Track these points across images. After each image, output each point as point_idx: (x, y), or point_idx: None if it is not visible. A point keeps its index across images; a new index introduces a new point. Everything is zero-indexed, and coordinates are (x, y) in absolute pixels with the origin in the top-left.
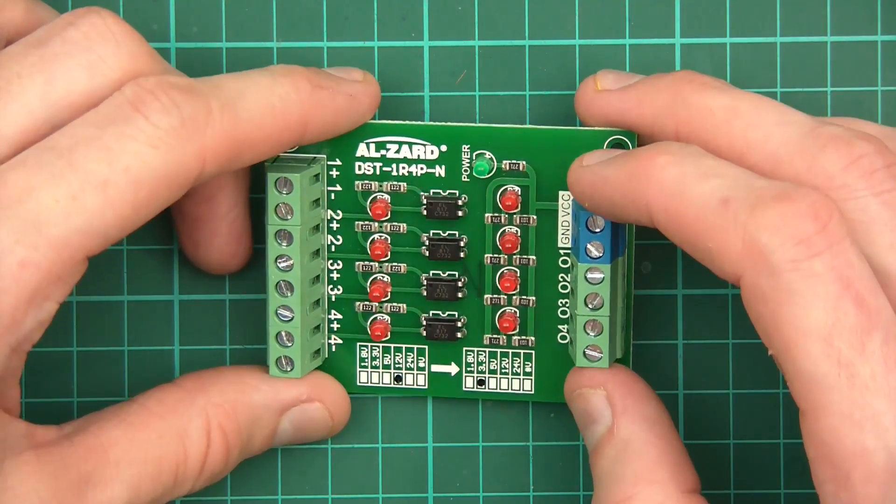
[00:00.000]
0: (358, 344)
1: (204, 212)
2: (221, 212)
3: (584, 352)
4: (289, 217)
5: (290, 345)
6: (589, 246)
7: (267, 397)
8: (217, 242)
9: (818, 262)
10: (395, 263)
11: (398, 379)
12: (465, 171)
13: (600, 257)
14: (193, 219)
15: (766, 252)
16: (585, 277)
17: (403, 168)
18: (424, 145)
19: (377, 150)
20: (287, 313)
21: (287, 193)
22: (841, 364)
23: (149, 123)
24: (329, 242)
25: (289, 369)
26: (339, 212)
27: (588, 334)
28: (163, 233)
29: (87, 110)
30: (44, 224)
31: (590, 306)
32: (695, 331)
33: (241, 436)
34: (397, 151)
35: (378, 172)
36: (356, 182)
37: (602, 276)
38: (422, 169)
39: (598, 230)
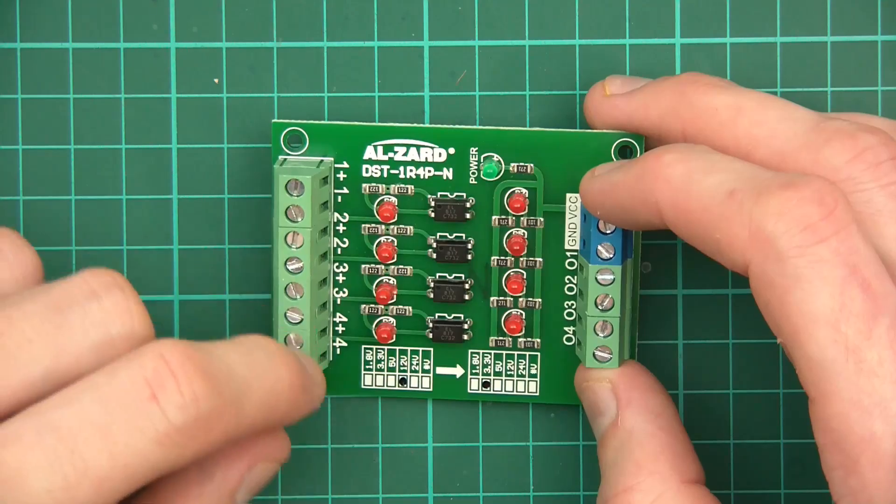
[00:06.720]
0: (363, 346)
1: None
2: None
3: (593, 353)
4: (299, 219)
5: (298, 348)
6: (600, 248)
7: (213, 497)
8: None
9: (824, 247)
10: (402, 266)
11: (403, 381)
12: (473, 173)
13: (611, 258)
14: None
15: (772, 238)
16: (596, 279)
17: (411, 171)
18: (432, 148)
19: (385, 153)
20: (296, 315)
21: (298, 195)
22: (848, 349)
23: (163, 417)
24: (335, 245)
25: None
26: (345, 214)
27: (598, 335)
28: (163, 233)
29: (93, 369)
30: None
31: (600, 307)
32: (695, 331)
33: None
34: (405, 154)
35: (385, 175)
36: (363, 185)
37: (612, 277)
38: (429, 171)
39: (609, 231)
